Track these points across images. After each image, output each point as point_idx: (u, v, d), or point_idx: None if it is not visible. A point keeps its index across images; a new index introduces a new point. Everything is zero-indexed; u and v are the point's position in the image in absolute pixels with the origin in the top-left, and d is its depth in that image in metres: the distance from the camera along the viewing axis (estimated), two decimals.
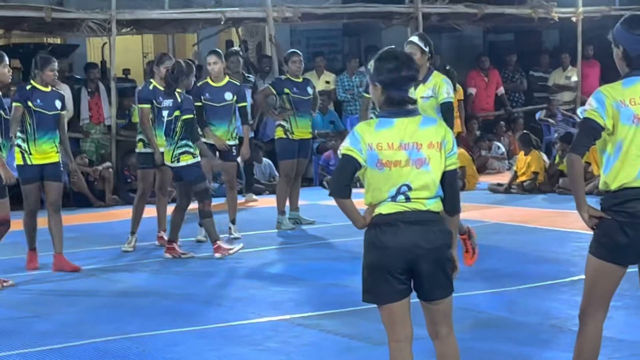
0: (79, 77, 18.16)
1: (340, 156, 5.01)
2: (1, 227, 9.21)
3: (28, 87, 9.90)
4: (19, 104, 9.79)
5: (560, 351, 6.43)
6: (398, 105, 4.97)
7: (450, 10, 18.38)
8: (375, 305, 5.06)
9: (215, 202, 11.35)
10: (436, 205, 4.96)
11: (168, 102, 10.37)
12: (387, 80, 4.96)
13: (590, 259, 5.20)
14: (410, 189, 4.91)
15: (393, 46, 5.62)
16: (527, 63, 20.40)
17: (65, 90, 15.42)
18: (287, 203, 12.32)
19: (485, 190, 15.44)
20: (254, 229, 12.24)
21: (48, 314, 8.22)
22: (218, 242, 10.40)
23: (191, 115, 10.24)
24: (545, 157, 16.01)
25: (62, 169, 10.19)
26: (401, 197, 4.91)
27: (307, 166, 14.01)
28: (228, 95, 11.48)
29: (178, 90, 10.28)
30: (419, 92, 8.54)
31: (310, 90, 12.33)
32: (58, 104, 9.96)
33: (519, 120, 19.00)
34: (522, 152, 15.53)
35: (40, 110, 9.82)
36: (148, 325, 7.65)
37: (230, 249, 10.39)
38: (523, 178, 15.26)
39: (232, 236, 11.46)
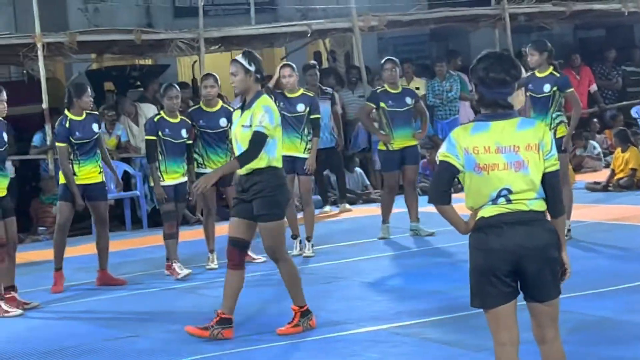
0: None
1: (437, 162, 5.00)
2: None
3: (66, 124, 10.20)
4: (62, 144, 10.20)
5: None
6: (491, 107, 4.95)
7: (538, 9, 18.17)
8: (478, 311, 5.02)
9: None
10: (539, 205, 4.92)
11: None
12: (478, 81, 4.96)
13: None
14: (510, 192, 4.88)
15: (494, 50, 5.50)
16: (620, 58, 20.06)
17: (150, 109, 15.65)
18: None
19: (582, 190, 15.21)
20: (351, 239, 12.21)
21: (149, 332, 8.29)
22: (173, 263, 10.49)
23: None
24: None
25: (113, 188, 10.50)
26: (502, 200, 4.89)
27: None
28: (300, 107, 11.35)
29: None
30: (240, 121, 7.71)
31: (409, 100, 11.94)
32: (95, 127, 10.32)
33: (619, 116, 18.54)
34: (618, 149, 15.25)
35: (81, 141, 10.17)
36: (246, 340, 7.66)
37: (178, 274, 10.41)
38: (620, 175, 14.98)
39: (304, 254, 11.19)
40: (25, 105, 16.62)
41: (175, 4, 21.13)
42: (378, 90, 12.14)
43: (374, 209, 14.55)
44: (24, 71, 17.81)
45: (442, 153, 4.97)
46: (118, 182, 10.89)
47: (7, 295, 9.39)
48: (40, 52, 14.57)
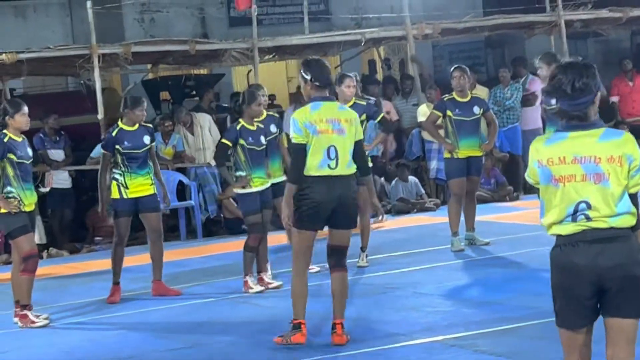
0: (225, 105, 18.47)
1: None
2: (31, 259, 9.41)
3: (114, 132, 10.28)
4: (105, 152, 10.32)
5: None
6: (568, 118, 4.80)
7: (594, 15, 17.99)
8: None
9: None
10: (621, 222, 4.72)
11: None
12: (553, 92, 4.81)
13: None
14: (589, 206, 4.72)
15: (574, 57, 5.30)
16: None
17: (205, 118, 15.74)
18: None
19: None
20: (405, 248, 12.14)
21: (203, 343, 8.31)
22: (247, 277, 10.22)
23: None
24: None
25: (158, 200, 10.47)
26: (582, 217, 4.73)
27: None
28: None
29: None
30: None
31: (477, 110, 11.74)
32: (147, 139, 10.33)
33: None
34: None
35: (129, 151, 10.20)
36: (303, 351, 7.64)
37: (252, 289, 10.15)
38: None
39: (359, 264, 11.10)
40: (81, 115, 16.83)
41: (230, 14, 21.28)
42: (445, 98, 11.96)
43: (429, 218, 14.53)
44: (81, 82, 18.03)
45: (526, 174, 4.93)
46: (166, 197, 10.76)
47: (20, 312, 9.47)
48: (96, 63, 14.71)
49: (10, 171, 9.32)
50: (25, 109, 9.43)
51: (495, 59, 23.11)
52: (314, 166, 7.66)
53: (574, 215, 4.74)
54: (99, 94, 14.85)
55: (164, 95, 19.19)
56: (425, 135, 15.79)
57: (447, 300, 9.21)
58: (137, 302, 10.30)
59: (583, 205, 4.72)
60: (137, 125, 10.31)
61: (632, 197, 4.77)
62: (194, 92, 18.88)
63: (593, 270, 4.69)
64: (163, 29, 20.35)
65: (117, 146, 10.21)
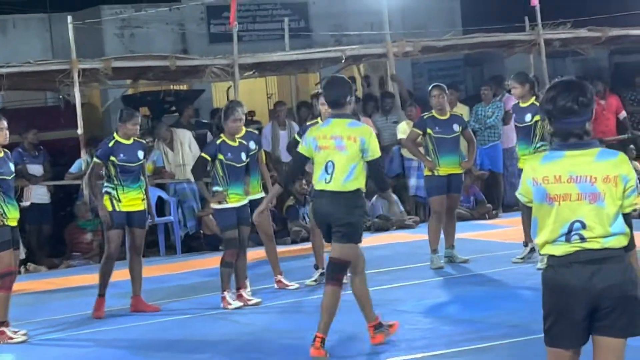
0: (205, 121, 18.45)
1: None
2: (9, 276, 9.29)
3: (111, 143, 10.26)
4: (98, 160, 10.27)
5: None
6: (564, 137, 4.78)
7: (573, 34, 18.07)
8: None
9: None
10: (614, 242, 4.70)
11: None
12: (546, 112, 4.81)
13: None
14: (583, 226, 4.69)
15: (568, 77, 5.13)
16: None
17: (185, 134, 15.71)
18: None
19: None
20: (385, 266, 12.13)
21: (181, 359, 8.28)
22: (225, 293, 10.19)
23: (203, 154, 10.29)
24: None
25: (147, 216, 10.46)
26: (576, 237, 4.70)
27: None
28: None
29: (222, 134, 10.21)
30: None
31: (456, 127, 11.83)
32: (141, 154, 10.34)
33: None
34: None
35: (124, 164, 10.18)
36: None
37: (230, 305, 10.12)
38: None
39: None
40: (60, 130, 16.79)
41: (210, 30, 21.29)
42: (425, 116, 12.01)
43: (408, 236, 14.53)
44: (60, 97, 17.98)
45: (518, 191, 4.90)
46: (151, 213, 10.70)
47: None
48: (76, 78, 14.68)
49: None
50: (4, 123, 9.38)
51: (475, 77, 23.22)
52: (316, 180, 7.93)
53: (567, 235, 4.72)
54: (79, 109, 14.81)
55: (144, 110, 19.16)
56: (405, 153, 15.83)
57: (427, 317, 9.21)
58: (115, 318, 10.23)
59: (577, 225, 4.70)
60: (131, 140, 10.31)
61: (626, 216, 4.76)
62: (174, 108, 18.87)
63: (588, 291, 4.67)
64: (143, 45, 20.33)
65: (113, 157, 10.18)
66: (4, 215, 9.23)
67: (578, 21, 18.01)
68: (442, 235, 11.93)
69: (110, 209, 10.21)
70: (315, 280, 11.16)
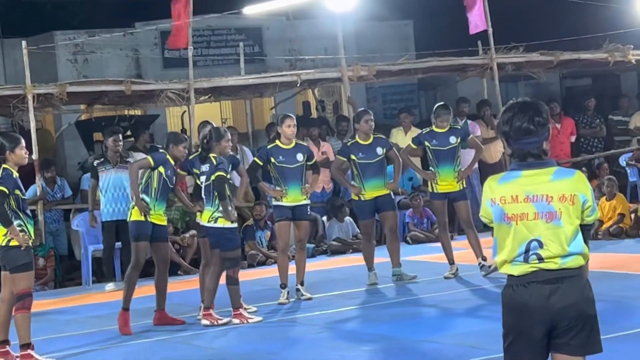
0: (159, 146, 18.39)
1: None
2: (29, 297, 9.10)
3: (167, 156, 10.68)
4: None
5: None
6: (521, 157, 4.81)
7: (525, 59, 18.26)
8: None
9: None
10: (572, 262, 4.72)
11: (205, 168, 10.52)
12: (503, 134, 4.84)
13: None
14: (541, 245, 4.72)
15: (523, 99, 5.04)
16: (606, 107, 20.15)
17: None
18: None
19: None
20: (339, 288, 12.19)
21: None
22: (240, 310, 10.38)
23: (222, 174, 10.38)
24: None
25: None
26: (533, 257, 4.72)
27: None
28: (299, 157, 11.55)
29: (213, 155, 10.45)
30: None
31: (380, 151, 12.08)
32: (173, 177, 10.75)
33: (603, 165, 18.49)
34: (603, 198, 15.33)
35: (167, 178, 10.52)
36: None
37: (251, 319, 10.35)
38: (609, 223, 15.07)
39: (303, 297, 11.45)
40: None
41: (165, 55, 21.29)
42: (349, 143, 12.36)
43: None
44: (12, 122, 17.87)
45: (480, 213, 4.92)
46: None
47: (2, 349, 9.21)
48: (30, 103, 14.63)
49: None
50: (23, 142, 9.30)
51: (428, 102, 23.36)
52: None
53: (525, 255, 4.74)
54: (34, 135, 14.75)
55: (98, 136, 19.08)
56: None
57: (383, 340, 9.24)
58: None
59: (535, 244, 4.72)
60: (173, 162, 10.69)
61: (585, 229, 4.80)
62: (129, 133, 18.81)
63: (546, 310, 4.70)
64: (97, 70, 20.29)
65: (164, 171, 10.47)
66: (28, 235, 9.08)
67: (530, 45, 18.21)
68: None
69: (141, 219, 10.46)
70: (287, 299, 11.37)
